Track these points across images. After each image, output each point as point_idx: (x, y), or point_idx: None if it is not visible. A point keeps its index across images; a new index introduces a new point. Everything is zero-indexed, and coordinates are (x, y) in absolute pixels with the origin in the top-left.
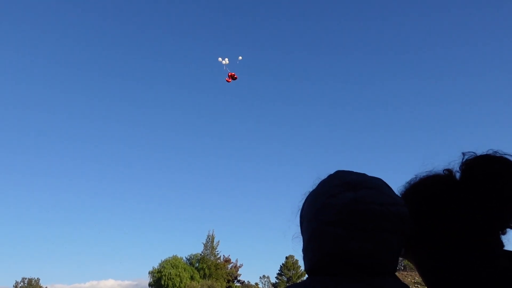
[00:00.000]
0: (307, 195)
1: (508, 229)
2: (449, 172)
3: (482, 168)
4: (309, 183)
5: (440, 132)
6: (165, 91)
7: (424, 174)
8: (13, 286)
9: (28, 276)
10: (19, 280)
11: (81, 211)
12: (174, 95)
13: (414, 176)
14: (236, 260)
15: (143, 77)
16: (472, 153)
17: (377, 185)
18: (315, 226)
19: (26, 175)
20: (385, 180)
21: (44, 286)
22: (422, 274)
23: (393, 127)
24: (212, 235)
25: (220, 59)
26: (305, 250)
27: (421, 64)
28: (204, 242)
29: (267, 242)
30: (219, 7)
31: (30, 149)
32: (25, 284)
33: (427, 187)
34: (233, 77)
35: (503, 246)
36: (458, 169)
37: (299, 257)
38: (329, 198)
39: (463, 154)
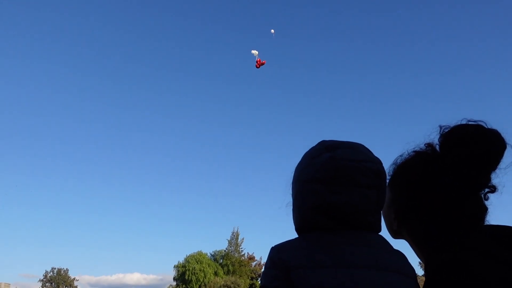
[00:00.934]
0: None
1: (489, 194)
2: (430, 146)
3: (456, 136)
4: None
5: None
6: (196, 85)
7: (408, 151)
8: (43, 275)
9: (57, 266)
10: (48, 269)
11: (110, 204)
12: (205, 88)
13: (399, 155)
14: (260, 258)
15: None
16: (447, 125)
17: (354, 146)
18: (299, 185)
19: (60, 166)
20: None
21: (72, 277)
22: (415, 243)
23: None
24: (237, 232)
25: (253, 51)
26: (293, 210)
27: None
28: (229, 239)
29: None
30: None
31: (71, 143)
32: (54, 274)
33: (411, 164)
34: (262, 64)
35: (486, 209)
36: (437, 141)
37: None
38: (311, 159)
39: (440, 127)
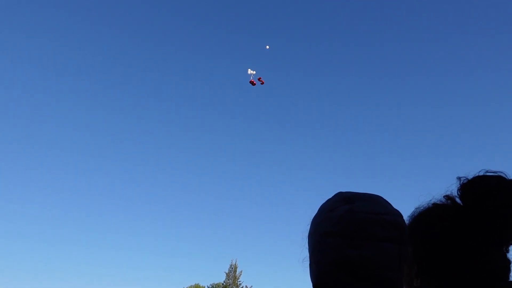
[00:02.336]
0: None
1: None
2: (450, 199)
3: (478, 188)
4: None
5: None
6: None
7: (424, 205)
8: None
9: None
10: None
11: (101, 236)
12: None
13: (416, 208)
14: None
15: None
16: (464, 177)
17: (373, 198)
18: (316, 239)
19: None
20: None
21: None
22: None
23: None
24: (235, 264)
25: (249, 71)
26: (310, 265)
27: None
28: (227, 272)
29: (291, 273)
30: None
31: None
32: None
33: (432, 217)
34: (259, 82)
35: (510, 262)
36: (456, 194)
37: None
38: (328, 212)
39: (458, 178)
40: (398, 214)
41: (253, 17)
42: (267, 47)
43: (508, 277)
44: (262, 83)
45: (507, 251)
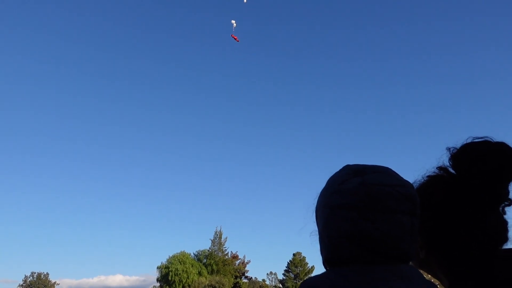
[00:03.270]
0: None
1: (506, 208)
2: (442, 169)
3: (468, 154)
4: (320, 183)
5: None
6: (174, 93)
7: (419, 179)
8: (22, 280)
9: (37, 270)
10: (28, 274)
11: (92, 207)
12: (183, 96)
13: (412, 183)
14: (244, 257)
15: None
16: (453, 147)
17: (384, 170)
18: (329, 212)
19: (37, 174)
20: None
21: (52, 281)
22: (441, 271)
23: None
24: (220, 231)
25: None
26: (321, 239)
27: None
28: (212, 239)
29: (275, 239)
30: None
31: (48, 149)
32: (34, 279)
33: (429, 188)
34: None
35: (507, 223)
36: (448, 164)
37: (306, 253)
38: (339, 185)
39: (448, 149)
40: (410, 186)
41: None
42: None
43: (506, 239)
44: (237, 41)
45: (504, 213)
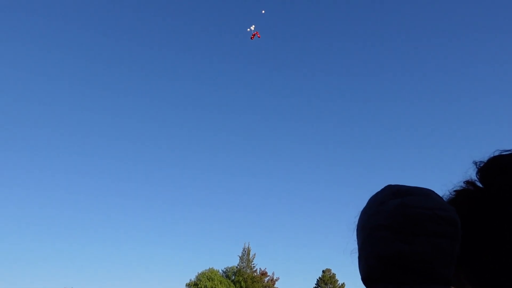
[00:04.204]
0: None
1: None
2: (469, 183)
3: (495, 167)
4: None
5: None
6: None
7: (447, 194)
8: None
9: (65, 285)
10: None
11: (121, 224)
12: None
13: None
14: (273, 273)
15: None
16: (480, 161)
17: (425, 192)
18: (367, 232)
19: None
20: None
21: None
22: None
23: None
24: (248, 247)
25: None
26: (359, 259)
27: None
28: (240, 255)
29: (304, 255)
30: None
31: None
32: None
33: (456, 204)
34: (255, 36)
35: None
36: (476, 178)
37: (336, 270)
38: (379, 206)
39: (475, 163)
40: (451, 209)
41: None
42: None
43: None
44: (259, 37)
45: None
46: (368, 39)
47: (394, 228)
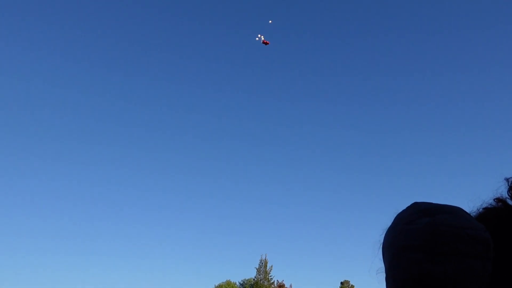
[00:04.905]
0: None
1: None
2: (500, 201)
3: None
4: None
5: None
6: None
7: (475, 210)
8: None
9: None
10: None
11: (140, 234)
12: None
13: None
14: (290, 286)
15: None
16: None
17: (455, 211)
18: (394, 252)
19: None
20: None
21: None
22: None
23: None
24: (265, 259)
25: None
26: (386, 279)
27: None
28: (257, 267)
29: (322, 267)
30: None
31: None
32: None
33: (483, 223)
34: (265, 43)
35: None
36: (507, 195)
37: (354, 282)
38: (406, 224)
39: (507, 180)
40: (482, 228)
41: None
42: (270, 21)
43: None
44: (268, 43)
45: None
46: (374, 41)
47: (423, 248)
